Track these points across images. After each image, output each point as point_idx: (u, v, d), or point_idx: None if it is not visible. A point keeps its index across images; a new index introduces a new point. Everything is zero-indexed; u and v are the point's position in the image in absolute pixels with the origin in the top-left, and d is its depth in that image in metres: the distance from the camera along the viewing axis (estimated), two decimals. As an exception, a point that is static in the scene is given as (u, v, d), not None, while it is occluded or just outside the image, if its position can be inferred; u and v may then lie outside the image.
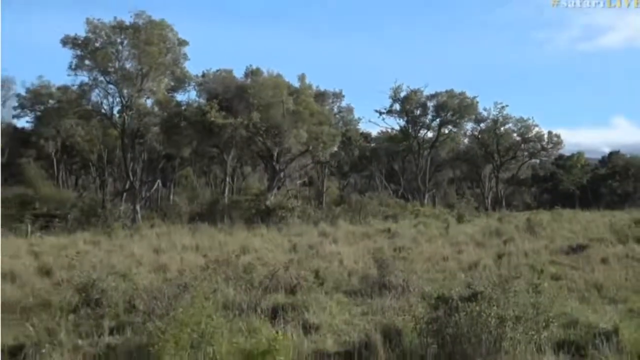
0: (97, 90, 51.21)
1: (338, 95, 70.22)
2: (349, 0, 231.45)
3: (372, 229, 37.00)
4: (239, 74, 55.49)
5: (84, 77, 50.28)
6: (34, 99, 61.79)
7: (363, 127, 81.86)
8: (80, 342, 11.15)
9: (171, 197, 68.90)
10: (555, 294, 13.20)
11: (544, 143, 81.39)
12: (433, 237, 30.62)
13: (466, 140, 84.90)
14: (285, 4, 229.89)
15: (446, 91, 74.34)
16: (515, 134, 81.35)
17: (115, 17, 48.32)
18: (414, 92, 74.55)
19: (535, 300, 10.50)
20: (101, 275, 14.89)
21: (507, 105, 79.54)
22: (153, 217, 50.27)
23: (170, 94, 55.17)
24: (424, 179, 76.59)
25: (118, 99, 50.96)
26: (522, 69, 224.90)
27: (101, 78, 50.11)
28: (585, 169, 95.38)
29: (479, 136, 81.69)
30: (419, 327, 10.29)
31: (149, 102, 54.00)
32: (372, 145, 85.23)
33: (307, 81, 57.33)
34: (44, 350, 10.23)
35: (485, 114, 79.12)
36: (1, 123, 59.69)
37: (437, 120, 75.89)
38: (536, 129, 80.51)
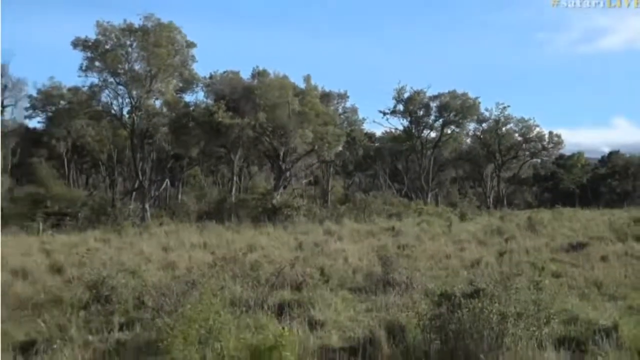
0: (107, 92, 51.46)
1: (343, 96, 70.38)
2: (350, 2, 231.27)
3: (376, 227, 36.93)
4: (245, 75, 55.66)
5: (94, 78, 50.52)
6: (46, 100, 61.78)
7: (367, 127, 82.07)
8: (90, 337, 11.17)
9: (179, 196, 69.02)
10: (556, 291, 13.16)
11: (544, 143, 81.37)
12: (436, 235, 30.54)
13: (468, 140, 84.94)
14: (288, 6, 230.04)
15: (449, 92, 74.41)
16: (516, 134, 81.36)
17: (124, 20, 48.60)
18: (417, 93, 74.55)
19: (537, 297, 10.47)
20: (111, 272, 14.89)
21: (508, 106, 79.75)
22: (162, 215, 50.33)
23: (178, 95, 55.26)
24: (427, 178, 76.61)
25: (127, 100, 51.16)
26: (524, 70, 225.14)
27: (111, 79, 50.29)
28: (585, 169, 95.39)
29: (481, 136, 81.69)
30: (422, 323, 10.26)
31: (158, 103, 54.17)
32: (376, 145, 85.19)
33: (312, 82, 57.45)
34: (55, 346, 10.24)
35: (487, 114, 79.28)
36: (7, 123, 59.52)
37: (440, 120, 75.88)
38: (537, 129, 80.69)
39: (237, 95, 51.42)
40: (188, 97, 57.10)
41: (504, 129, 79.97)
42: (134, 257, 22.03)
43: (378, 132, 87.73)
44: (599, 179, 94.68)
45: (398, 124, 79.00)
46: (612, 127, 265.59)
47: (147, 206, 50.95)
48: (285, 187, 56.26)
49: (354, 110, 73.36)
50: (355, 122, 74.26)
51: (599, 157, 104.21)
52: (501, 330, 9.32)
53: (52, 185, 62.11)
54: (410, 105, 74.97)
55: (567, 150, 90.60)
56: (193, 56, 52.36)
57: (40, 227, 37.49)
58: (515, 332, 9.35)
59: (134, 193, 56.23)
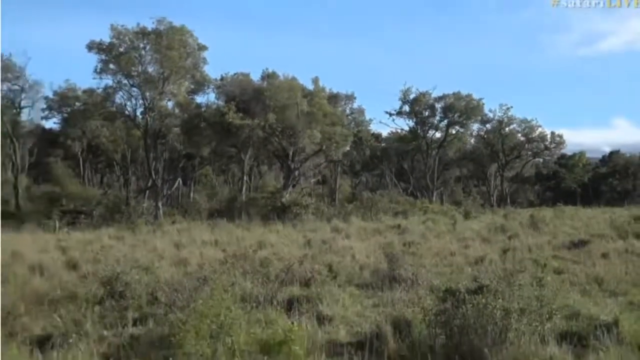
0: (121, 93, 51.44)
1: (350, 98, 70.13)
2: (353, 3, 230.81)
3: (382, 225, 36.93)
4: (255, 77, 55.59)
5: (108, 80, 50.48)
6: (61, 101, 62.01)
7: (374, 127, 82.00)
8: (105, 332, 11.23)
9: (191, 194, 69.00)
10: (558, 287, 13.16)
11: (547, 143, 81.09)
12: (441, 233, 30.55)
13: (472, 140, 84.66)
14: (293, 9, 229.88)
15: (453, 93, 74.15)
16: (519, 134, 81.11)
17: (138, 24, 48.56)
18: (423, 94, 74.37)
19: (539, 293, 10.47)
20: (125, 268, 14.93)
21: (511, 107, 79.44)
22: (174, 213, 50.35)
23: (190, 97, 55.29)
24: (432, 178, 76.46)
25: (141, 101, 51.10)
26: (526, 71, 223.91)
27: (125, 81, 50.28)
28: (586, 168, 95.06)
29: (485, 136, 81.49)
30: (427, 318, 10.28)
31: (170, 104, 54.15)
32: (383, 145, 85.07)
33: (320, 84, 57.42)
34: (70, 340, 10.30)
35: (490, 115, 78.94)
36: (25, 124, 59.68)
37: (445, 121, 75.64)
38: (539, 129, 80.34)
39: (247, 96, 51.43)
40: (199, 99, 57.25)
41: (507, 129, 79.73)
42: (147, 254, 22.09)
43: (384, 132, 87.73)
44: (600, 178, 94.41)
45: (404, 124, 78.99)
46: (613, 127, 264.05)
47: (159, 204, 50.98)
48: (294, 186, 56.18)
49: (361, 111, 73.28)
50: (362, 122, 74.15)
51: (600, 156, 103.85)
52: (505, 326, 9.33)
53: (67, 184, 62.16)
54: (416, 106, 74.83)
55: (568, 150, 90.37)
56: (204, 58, 52.44)
57: (57, 225, 37.56)
58: (518, 327, 9.36)
59: (147, 192, 56.25)
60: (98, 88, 51.96)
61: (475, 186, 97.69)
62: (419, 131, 76.70)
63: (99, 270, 15.78)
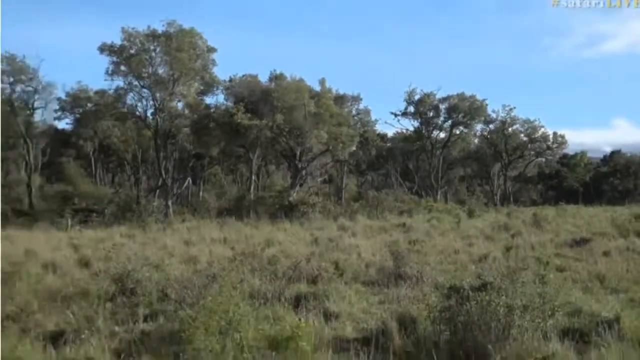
0: (131, 94, 51.67)
1: (356, 99, 70.05)
2: (353, 4, 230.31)
3: (388, 223, 36.86)
4: (263, 78, 55.59)
5: (119, 81, 50.75)
6: (74, 102, 62.20)
7: (379, 128, 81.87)
8: (116, 328, 11.24)
9: (201, 193, 69.09)
10: (560, 284, 13.17)
11: (549, 143, 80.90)
12: (445, 231, 30.46)
13: (476, 141, 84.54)
14: (294, 10, 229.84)
15: (457, 94, 74.06)
16: (522, 135, 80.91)
17: (148, 26, 48.76)
18: (427, 95, 74.30)
19: (542, 290, 10.44)
20: (136, 266, 14.95)
21: (514, 108, 79.27)
22: (184, 212, 50.43)
23: (199, 98, 55.45)
24: (436, 177, 76.43)
25: (151, 102, 51.28)
26: (529, 72, 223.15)
27: (135, 83, 50.48)
28: (588, 167, 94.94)
29: (488, 136, 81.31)
30: (432, 315, 10.27)
31: (180, 105, 54.32)
32: (388, 145, 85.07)
33: (326, 85, 57.42)
34: (83, 336, 10.31)
35: (494, 115, 78.77)
36: (38, 125, 59.88)
37: (449, 121, 75.50)
38: (542, 129, 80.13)
39: (255, 97, 51.46)
40: (209, 100, 57.51)
41: (510, 129, 79.56)
42: (158, 252, 22.13)
43: (390, 132, 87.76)
44: (601, 178, 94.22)
45: (409, 125, 78.80)
46: (614, 127, 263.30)
47: (170, 203, 51.10)
48: (301, 185, 56.20)
49: (367, 111, 73.14)
50: (368, 123, 74.01)
51: (601, 156, 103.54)
52: (508, 322, 9.31)
53: (80, 183, 62.45)
54: (421, 107, 74.78)
55: (570, 149, 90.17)
56: (213, 60, 52.64)
57: (69, 223, 37.63)
58: (521, 323, 9.34)
59: (158, 191, 56.33)
60: (109, 89, 52.35)
61: (479, 185, 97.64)
62: (423, 131, 76.63)
63: (110, 268, 15.79)
